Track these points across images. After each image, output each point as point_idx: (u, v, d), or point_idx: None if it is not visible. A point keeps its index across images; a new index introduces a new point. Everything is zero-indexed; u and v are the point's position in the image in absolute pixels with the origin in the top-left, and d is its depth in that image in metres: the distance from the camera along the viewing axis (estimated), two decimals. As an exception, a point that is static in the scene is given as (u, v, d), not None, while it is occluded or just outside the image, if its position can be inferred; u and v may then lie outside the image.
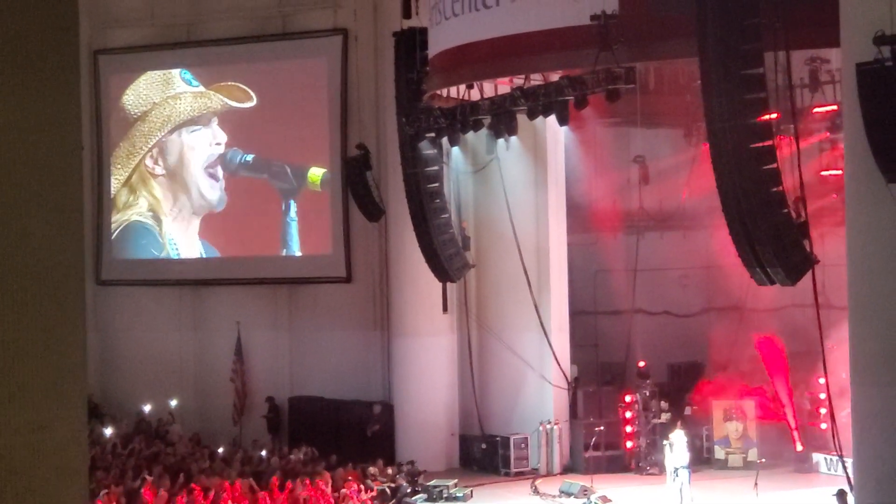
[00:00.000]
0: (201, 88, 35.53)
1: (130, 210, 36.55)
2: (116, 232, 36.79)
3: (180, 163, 35.87)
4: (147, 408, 34.69)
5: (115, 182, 36.64)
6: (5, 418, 5.95)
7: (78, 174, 6.64)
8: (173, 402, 34.71)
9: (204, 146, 35.64)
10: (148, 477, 26.31)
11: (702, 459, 30.57)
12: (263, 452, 30.46)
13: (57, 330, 6.24)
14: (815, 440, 29.85)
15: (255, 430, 34.03)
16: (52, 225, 6.26)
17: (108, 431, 32.06)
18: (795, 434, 30.15)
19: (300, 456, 29.74)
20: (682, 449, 27.16)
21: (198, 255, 36.09)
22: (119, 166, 36.58)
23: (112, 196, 36.63)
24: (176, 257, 36.30)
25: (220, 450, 30.64)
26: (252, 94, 35.00)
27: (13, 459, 6.01)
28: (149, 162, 36.26)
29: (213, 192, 35.64)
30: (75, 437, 6.47)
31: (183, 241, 36.14)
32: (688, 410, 31.20)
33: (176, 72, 35.87)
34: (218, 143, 35.51)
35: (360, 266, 34.22)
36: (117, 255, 36.88)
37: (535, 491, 29.23)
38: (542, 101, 25.10)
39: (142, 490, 25.35)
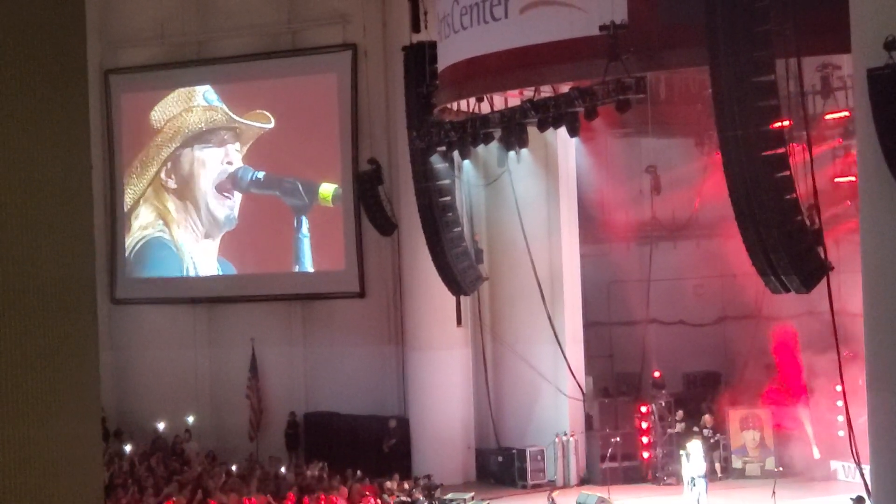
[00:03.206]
0: (215, 104, 35.60)
1: (146, 222, 36.59)
2: (137, 246, 36.79)
3: (191, 177, 35.95)
4: (163, 425, 34.73)
5: (132, 192, 36.72)
6: (19, 434, 5.94)
7: (88, 193, 6.64)
8: (190, 419, 34.74)
9: (215, 164, 35.70)
10: (170, 494, 26.34)
11: (719, 469, 30.50)
12: (283, 469, 30.46)
13: (69, 347, 6.24)
14: (832, 448, 29.71)
15: (272, 446, 34.01)
16: (63, 244, 6.26)
17: (127, 448, 32.13)
18: (813, 442, 30.03)
19: (315, 472, 29.73)
20: (698, 459, 27.10)
21: (215, 273, 36.11)
22: (134, 176, 36.67)
23: (128, 208, 36.71)
24: (195, 275, 36.32)
25: (235, 467, 30.65)
26: (271, 117, 35.08)
27: (27, 475, 6.00)
28: (163, 175, 36.38)
29: (221, 209, 35.69)
30: (90, 453, 6.47)
31: (202, 259, 36.16)
32: (705, 426, 30.86)
33: (200, 94, 35.90)
34: (230, 163, 35.56)
35: (374, 281, 34.23)
36: (133, 273, 36.92)
37: (552, 503, 29.15)
38: (552, 113, 25.09)
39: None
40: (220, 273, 36.11)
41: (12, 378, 5.93)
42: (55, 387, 6.15)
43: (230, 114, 35.38)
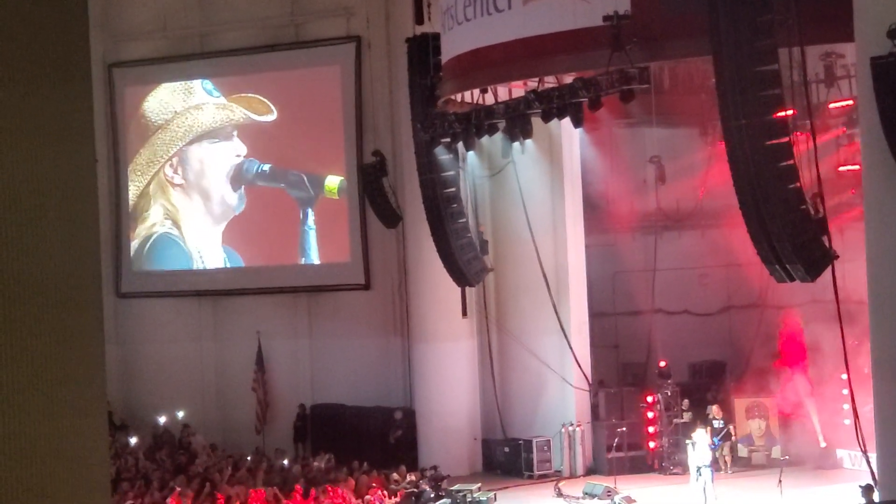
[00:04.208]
0: (223, 100, 35.58)
1: (153, 220, 36.57)
2: (147, 246, 36.75)
3: (201, 173, 35.92)
4: (164, 419, 34.75)
5: (135, 188, 36.72)
6: (24, 429, 5.96)
7: (93, 186, 6.65)
8: (180, 414, 34.73)
9: (225, 158, 35.67)
10: (176, 487, 26.39)
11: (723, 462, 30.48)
12: (286, 462, 30.50)
13: (74, 341, 6.25)
14: (838, 436, 29.72)
15: (278, 438, 34.05)
16: (68, 238, 6.27)
17: (133, 441, 32.19)
18: (819, 430, 30.04)
19: (321, 464, 29.78)
20: (704, 448, 27.11)
21: (222, 264, 36.11)
22: (139, 173, 36.67)
23: (132, 204, 36.67)
24: (201, 268, 36.31)
25: (250, 458, 30.71)
26: (272, 107, 35.03)
27: (33, 470, 6.02)
28: (168, 171, 36.34)
29: (233, 196, 35.71)
30: (96, 448, 6.47)
31: (207, 250, 36.16)
32: (715, 417, 30.73)
33: (197, 82, 35.92)
34: (238, 156, 35.56)
35: (379, 273, 34.25)
36: (140, 267, 36.92)
37: (559, 493, 29.19)
38: (556, 104, 25.08)
39: (168, 501, 25.41)
40: (227, 263, 36.10)
41: (17, 372, 5.94)
42: (61, 381, 6.16)
43: (246, 112, 35.27)
